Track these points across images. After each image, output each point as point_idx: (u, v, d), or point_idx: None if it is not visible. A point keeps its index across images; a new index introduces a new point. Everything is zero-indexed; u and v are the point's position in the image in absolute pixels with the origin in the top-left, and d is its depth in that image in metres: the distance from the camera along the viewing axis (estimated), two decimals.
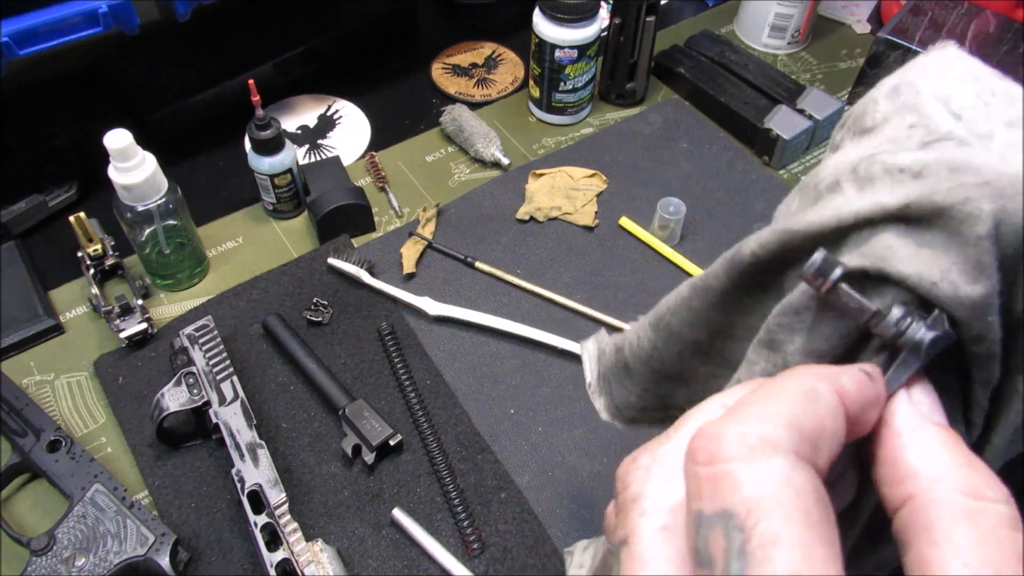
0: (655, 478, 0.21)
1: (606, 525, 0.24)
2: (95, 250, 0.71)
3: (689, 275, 0.76)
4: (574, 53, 0.83)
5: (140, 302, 0.68)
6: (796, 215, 0.26)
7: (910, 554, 0.19)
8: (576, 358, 0.70)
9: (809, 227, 0.24)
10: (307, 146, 0.88)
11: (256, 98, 0.71)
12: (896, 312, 0.22)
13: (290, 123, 0.89)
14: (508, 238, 0.79)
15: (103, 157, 0.64)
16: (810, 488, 0.18)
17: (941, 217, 0.21)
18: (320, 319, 0.71)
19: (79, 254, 0.72)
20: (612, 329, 0.72)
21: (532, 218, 0.80)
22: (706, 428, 0.20)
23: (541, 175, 0.83)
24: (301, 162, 0.85)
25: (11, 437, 0.61)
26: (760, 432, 0.19)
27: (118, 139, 0.63)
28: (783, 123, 0.84)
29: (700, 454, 0.19)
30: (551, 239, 0.79)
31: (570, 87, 0.86)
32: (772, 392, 0.20)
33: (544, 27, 0.82)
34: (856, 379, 0.21)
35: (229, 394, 0.62)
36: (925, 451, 0.20)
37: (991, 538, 0.18)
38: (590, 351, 0.39)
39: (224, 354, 0.64)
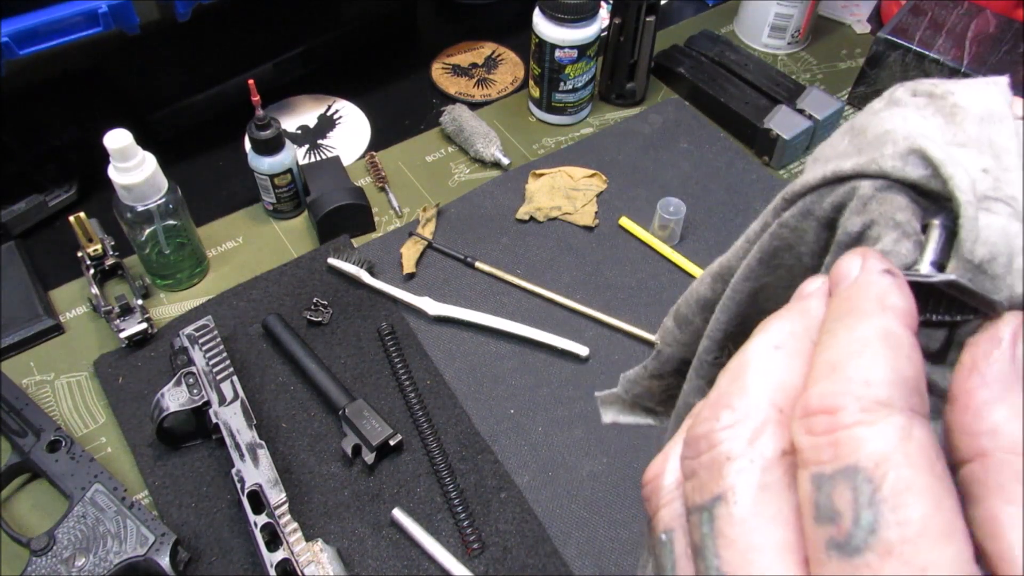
0: (744, 436, 0.21)
1: (654, 493, 0.23)
2: (95, 250, 0.71)
3: (690, 275, 0.76)
4: (574, 53, 0.83)
5: (140, 302, 0.68)
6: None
7: (979, 509, 0.19)
8: (576, 358, 0.70)
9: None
10: (307, 146, 0.88)
11: (256, 98, 0.71)
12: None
13: (290, 123, 0.89)
14: (508, 238, 0.79)
15: (103, 157, 0.64)
16: (929, 441, 0.19)
17: None
18: (320, 319, 0.71)
19: (79, 254, 0.72)
20: (612, 329, 0.72)
21: (532, 218, 0.80)
22: (817, 399, 0.19)
23: (541, 175, 0.83)
24: (301, 162, 0.85)
25: (11, 437, 0.61)
26: (874, 396, 0.19)
27: (118, 139, 0.63)
28: (783, 123, 0.84)
29: (818, 425, 0.19)
30: (551, 239, 0.79)
31: (570, 87, 0.86)
32: (859, 347, 0.20)
33: (544, 27, 0.82)
34: (905, 296, 0.20)
35: (229, 394, 0.62)
36: (1013, 413, 0.20)
37: None
38: (618, 408, 0.39)
39: (224, 354, 0.64)
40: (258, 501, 0.57)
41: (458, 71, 0.96)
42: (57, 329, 0.71)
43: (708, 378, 0.31)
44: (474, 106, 0.91)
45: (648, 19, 0.84)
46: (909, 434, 0.18)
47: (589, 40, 0.83)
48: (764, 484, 0.20)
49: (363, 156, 0.87)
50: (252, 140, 0.74)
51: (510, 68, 0.97)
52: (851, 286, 0.21)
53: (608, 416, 0.42)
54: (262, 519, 0.56)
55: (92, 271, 0.71)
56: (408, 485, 0.62)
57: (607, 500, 0.62)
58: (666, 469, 0.23)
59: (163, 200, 0.67)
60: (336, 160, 0.82)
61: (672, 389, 0.37)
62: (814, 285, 0.22)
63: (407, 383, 0.67)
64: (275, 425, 0.65)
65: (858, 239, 0.23)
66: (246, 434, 0.60)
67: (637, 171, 0.85)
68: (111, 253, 0.72)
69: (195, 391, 0.62)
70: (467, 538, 0.59)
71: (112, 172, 0.65)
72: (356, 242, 0.78)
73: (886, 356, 0.20)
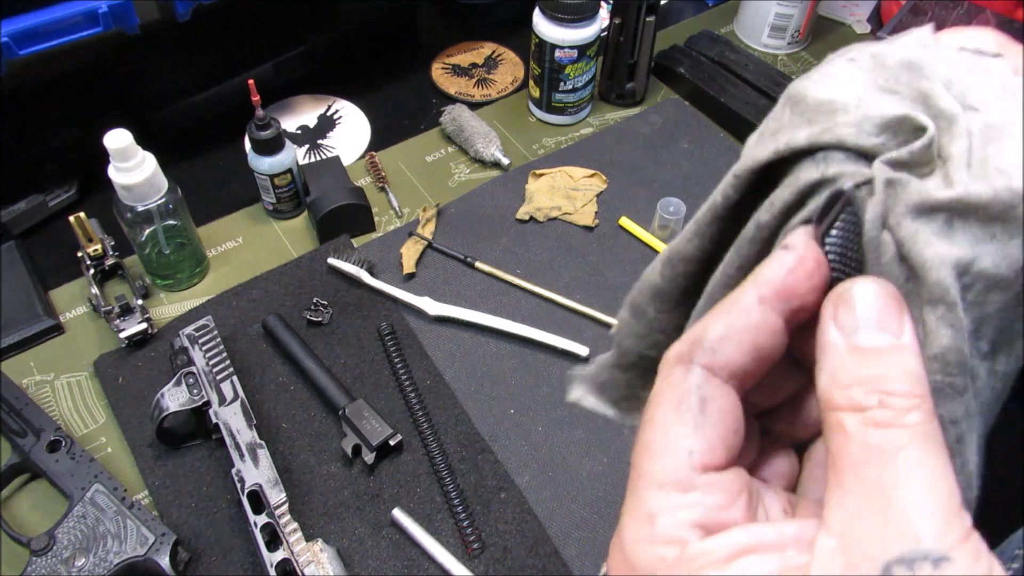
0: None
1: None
2: (95, 250, 0.71)
3: None
4: (574, 53, 0.83)
5: (140, 302, 0.68)
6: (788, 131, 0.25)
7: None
8: (576, 358, 0.70)
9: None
10: (307, 146, 0.88)
11: (256, 98, 0.71)
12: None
13: (290, 123, 0.89)
14: (508, 238, 0.79)
15: (103, 157, 0.64)
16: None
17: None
18: (320, 319, 0.71)
19: (79, 254, 0.72)
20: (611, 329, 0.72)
21: (532, 218, 0.80)
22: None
23: (541, 175, 0.83)
24: (301, 162, 0.85)
25: (11, 437, 0.61)
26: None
27: (118, 139, 0.63)
28: None
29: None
30: (551, 239, 0.79)
31: (570, 87, 0.86)
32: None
33: (544, 27, 0.82)
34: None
35: (229, 394, 0.62)
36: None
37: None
38: (586, 389, 0.38)
39: (224, 354, 0.64)
40: (258, 501, 0.57)
41: (458, 71, 0.96)
42: (57, 329, 0.71)
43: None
44: (474, 106, 0.91)
45: (648, 19, 0.84)
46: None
47: (589, 40, 0.83)
48: None
49: (363, 156, 0.87)
50: (252, 140, 0.74)
51: (510, 68, 0.97)
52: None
53: (575, 394, 0.41)
54: (262, 519, 0.56)
55: (92, 271, 0.71)
56: (408, 485, 0.62)
57: (607, 500, 0.62)
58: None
59: (163, 200, 0.67)
60: (336, 160, 0.82)
61: (633, 386, 0.36)
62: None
63: (407, 383, 0.67)
64: (275, 425, 0.65)
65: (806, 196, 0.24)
66: (246, 434, 0.60)
67: (637, 171, 0.85)
68: (111, 253, 0.72)
69: (195, 391, 0.62)
70: (467, 538, 0.59)
71: (112, 172, 0.65)
72: (356, 242, 0.78)
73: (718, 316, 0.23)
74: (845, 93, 0.24)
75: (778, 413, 0.27)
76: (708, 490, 0.22)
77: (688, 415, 0.23)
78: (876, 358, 0.21)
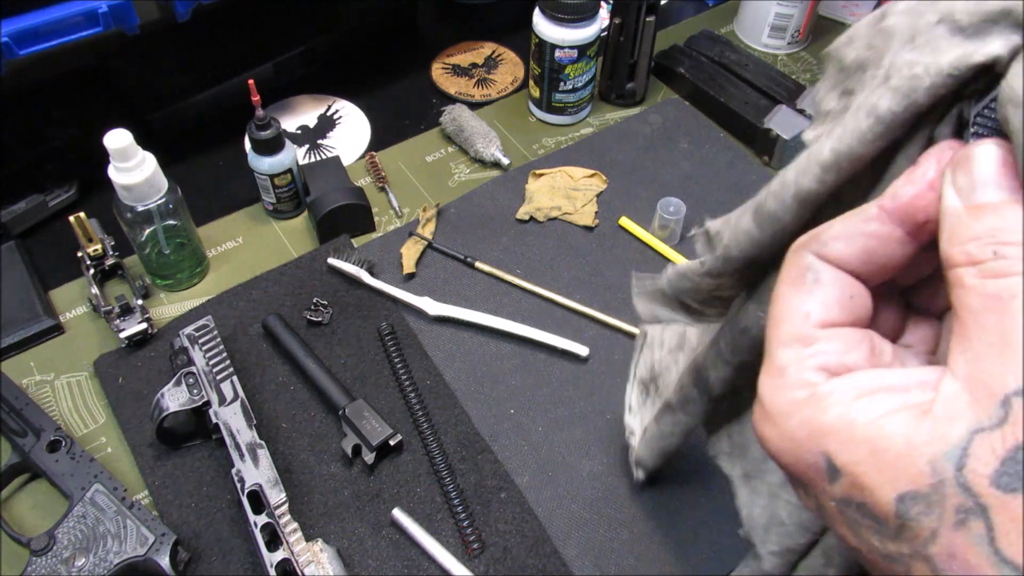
0: None
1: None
2: (95, 250, 0.71)
3: None
4: (574, 53, 0.83)
5: (140, 302, 0.68)
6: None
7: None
8: (576, 358, 0.70)
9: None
10: (307, 146, 0.88)
11: (256, 98, 0.71)
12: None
13: (290, 123, 0.89)
14: (508, 238, 0.79)
15: (103, 157, 0.64)
16: None
17: None
18: (320, 319, 0.71)
19: (79, 254, 0.72)
20: (612, 329, 0.72)
21: (532, 218, 0.80)
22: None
23: (541, 175, 0.83)
24: (301, 162, 0.85)
25: (11, 437, 0.61)
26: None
27: (118, 139, 0.63)
28: (783, 123, 0.84)
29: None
30: (551, 239, 0.79)
31: (570, 87, 0.86)
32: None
33: (544, 27, 0.82)
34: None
35: (229, 394, 0.62)
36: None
37: None
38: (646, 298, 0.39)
39: (224, 354, 0.64)
40: (258, 501, 0.57)
41: (458, 71, 0.96)
42: (57, 329, 0.71)
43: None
44: (474, 106, 0.91)
45: (648, 19, 0.84)
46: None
47: (589, 40, 0.83)
48: None
49: (363, 156, 0.87)
50: (252, 140, 0.74)
51: (510, 68, 0.97)
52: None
53: (640, 304, 0.42)
54: (262, 519, 0.56)
55: (92, 271, 0.71)
56: (408, 485, 0.62)
57: (607, 500, 0.62)
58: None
59: (163, 200, 0.67)
60: (336, 160, 0.82)
61: (724, 289, 0.36)
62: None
63: (407, 383, 0.67)
64: (275, 425, 0.65)
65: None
66: (246, 434, 0.60)
67: (637, 171, 0.85)
68: (111, 253, 0.72)
69: (195, 391, 0.62)
70: (467, 538, 0.59)
71: (112, 172, 0.65)
72: (356, 242, 0.78)
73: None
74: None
75: (918, 288, 0.29)
76: (829, 340, 0.25)
77: (802, 286, 0.26)
78: (990, 213, 0.23)
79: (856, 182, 0.29)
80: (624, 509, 0.61)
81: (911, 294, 0.30)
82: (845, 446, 0.23)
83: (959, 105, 0.26)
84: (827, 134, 0.29)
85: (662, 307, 0.43)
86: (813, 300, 0.26)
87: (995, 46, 0.24)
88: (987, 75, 0.25)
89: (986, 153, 0.23)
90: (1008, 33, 0.24)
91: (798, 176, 0.30)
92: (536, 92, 0.88)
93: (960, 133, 0.26)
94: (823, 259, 0.26)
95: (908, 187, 0.25)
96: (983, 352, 0.22)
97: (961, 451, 0.21)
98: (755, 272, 0.35)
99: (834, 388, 0.24)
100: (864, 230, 0.25)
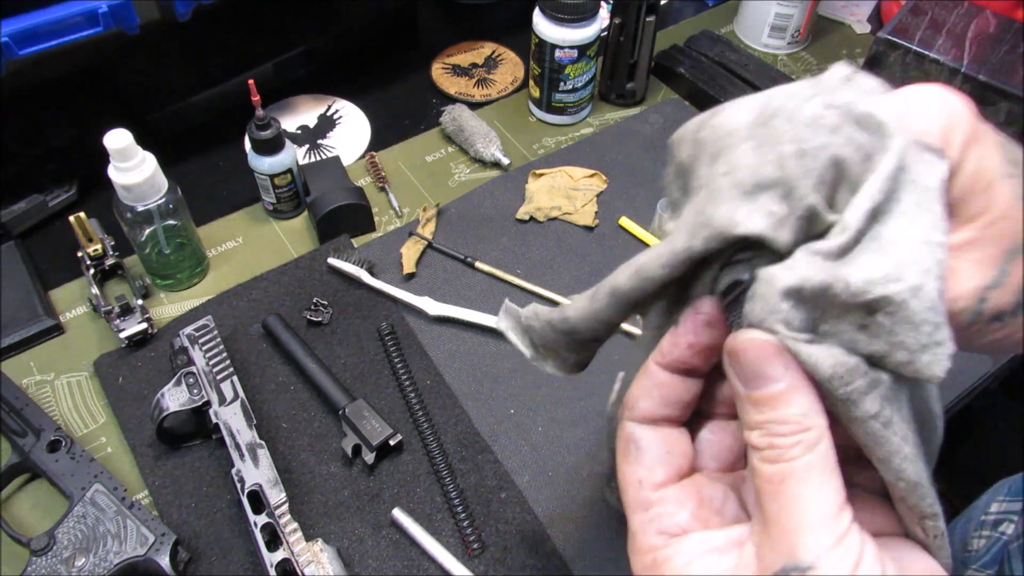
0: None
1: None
2: (95, 250, 0.71)
3: None
4: (574, 53, 0.83)
5: (140, 302, 0.68)
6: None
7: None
8: None
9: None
10: (307, 146, 0.88)
11: (256, 98, 0.71)
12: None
13: (290, 123, 0.89)
14: (508, 238, 0.79)
15: (103, 157, 0.64)
16: None
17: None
18: (320, 319, 0.71)
19: (79, 254, 0.72)
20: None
21: (532, 218, 0.80)
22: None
23: (541, 175, 0.83)
24: (301, 162, 0.85)
25: (11, 437, 0.61)
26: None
27: (118, 139, 0.63)
28: None
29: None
30: (551, 239, 0.79)
31: (570, 87, 0.86)
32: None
33: (544, 27, 0.82)
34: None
35: (229, 394, 0.62)
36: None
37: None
38: (512, 326, 0.39)
39: (224, 354, 0.64)
40: (258, 501, 0.57)
41: (458, 71, 0.96)
42: (57, 329, 0.71)
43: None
44: (474, 106, 0.91)
45: (648, 19, 0.84)
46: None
47: (589, 40, 0.83)
48: None
49: (363, 156, 0.87)
50: (252, 140, 0.74)
51: (510, 68, 0.97)
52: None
53: (503, 323, 0.43)
54: (262, 519, 0.56)
55: (92, 271, 0.71)
56: (408, 485, 0.62)
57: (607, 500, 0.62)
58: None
59: (163, 200, 0.67)
60: (336, 160, 0.82)
61: (558, 344, 0.38)
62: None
63: (407, 383, 0.67)
64: (275, 425, 0.65)
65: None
66: (246, 434, 0.60)
67: (637, 171, 0.85)
68: (111, 253, 0.72)
69: (195, 391, 0.62)
70: (467, 538, 0.59)
71: (112, 172, 0.65)
72: (356, 242, 0.78)
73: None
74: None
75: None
76: (662, 503, 0.30)
77: (629, 456, 0.31)
78: (765, 405, 0.27)
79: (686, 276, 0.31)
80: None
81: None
82: None
83: (738, 257, 0.29)
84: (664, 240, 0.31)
85: (518, 335, 0.44)
86: (640, 468, 0.31)
87: (756, 222, 0.26)
88: (755, 245, 0.27)
89: (750, 344, 0.27)
90: (776, 202, 0.26)
91: (611, 276, 0.33)
92: (536, 92, 0.88)
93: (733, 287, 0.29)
94: (639, 421, 0.31)
95: (673, 349, 0.30)
96: (767, 527, 0.26)
97: None
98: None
99: (671, 555, 0.29)
100: (654, 383, 0.31)
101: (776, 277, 0.26)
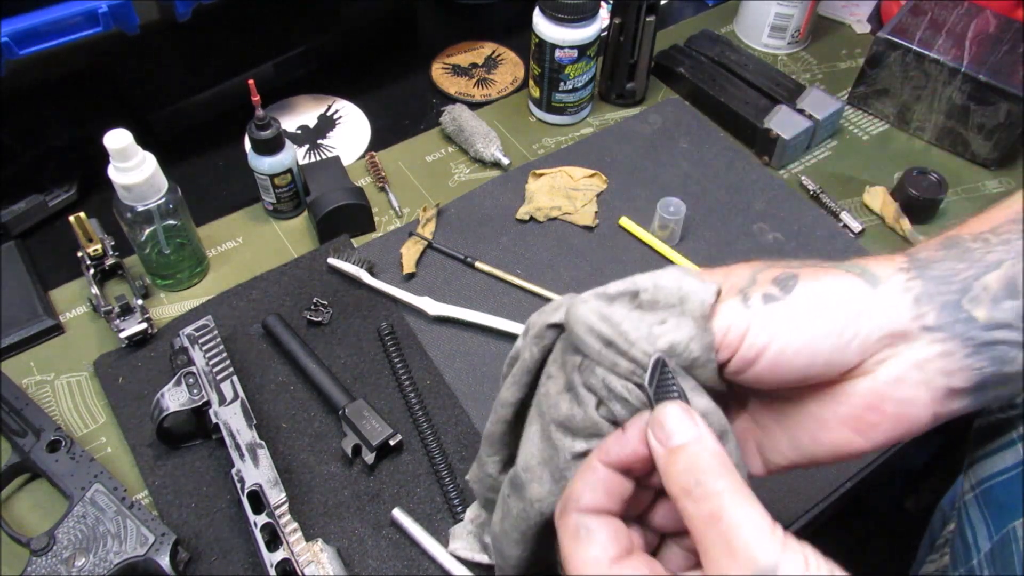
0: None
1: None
2: (95, 250, 0.71)
3: None
4: (574, 53, 0.83)
5: (140, 302, 0.68)
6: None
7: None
8: None
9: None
10: (307, 146, 0.88)
11: (256, 98, 0.71)
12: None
13: (290, 123, 0.89)
14: (508, 238, 0.79)
15: (103, 157, 0.64)
16: None
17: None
18: (320, 319, 0.71)
19: (79, 254, 0.72)
20: None
21: (532, 218, 0.80)
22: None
23: (541, 175, 0.83)
24: (301, 162, 0.85)
25: (11, 437, 0.61)
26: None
27: (118, 139, 0.63)
28: (783, 123, 0.84)
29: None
30: (551, 239, 0.79)
31: (570, 87, 0.86)
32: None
33: (544, 27, 0.82)
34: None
35: (229, 394, 0.62)
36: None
37: None
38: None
39: (224, 354, 0.64)
40: (258, 501, 0.57)
41: (458, 71, 0.96)
42: (57, 329, 0.71)
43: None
44: (474, 106, 0.91)
45: (648, 19, 0.84)
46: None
47: (589, 40, 0.83)
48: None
49: (363, 156, 0.87)
50: (252, 140, 0.74)
51: (510, 68, 0.97)
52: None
53: (453, 545, 0.53)
54: (262, 519, 0.56)
55: (92, 271, 0.71)
56: (408, 485, 0.62)
57: None
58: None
59: (163, 200, 0.67)
60: (336, 160, 0.82)
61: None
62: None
63: (407, 383, 0.67)
64: (275, 425, 0.65)
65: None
66: (246, 434, 0.60)
67: (637, 171, 0.85)
68: (111, 253, 0.72)
69: (195, 391, 0.62)
70: None
71: (112, 172, 0.65)
72: (356, 242, 0.78)
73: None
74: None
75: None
76: (622, 572, 0.33)
77: (579, 539, 0.33)
78: (682, 452, 0.31)
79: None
80: None
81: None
82: None
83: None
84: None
85: (468, 547, 0.57)
86: (594, 546, 0.33)
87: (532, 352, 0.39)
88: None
89: (670, 411, 0.32)
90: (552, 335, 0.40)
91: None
92: (536, 92, 0.88)
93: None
94: (584, 512, 0.34)
95: (616, 448, 0.34)
96: (718, 561, 0.29)
97: None
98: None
99: None
100: (596, 478, 0.34)
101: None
